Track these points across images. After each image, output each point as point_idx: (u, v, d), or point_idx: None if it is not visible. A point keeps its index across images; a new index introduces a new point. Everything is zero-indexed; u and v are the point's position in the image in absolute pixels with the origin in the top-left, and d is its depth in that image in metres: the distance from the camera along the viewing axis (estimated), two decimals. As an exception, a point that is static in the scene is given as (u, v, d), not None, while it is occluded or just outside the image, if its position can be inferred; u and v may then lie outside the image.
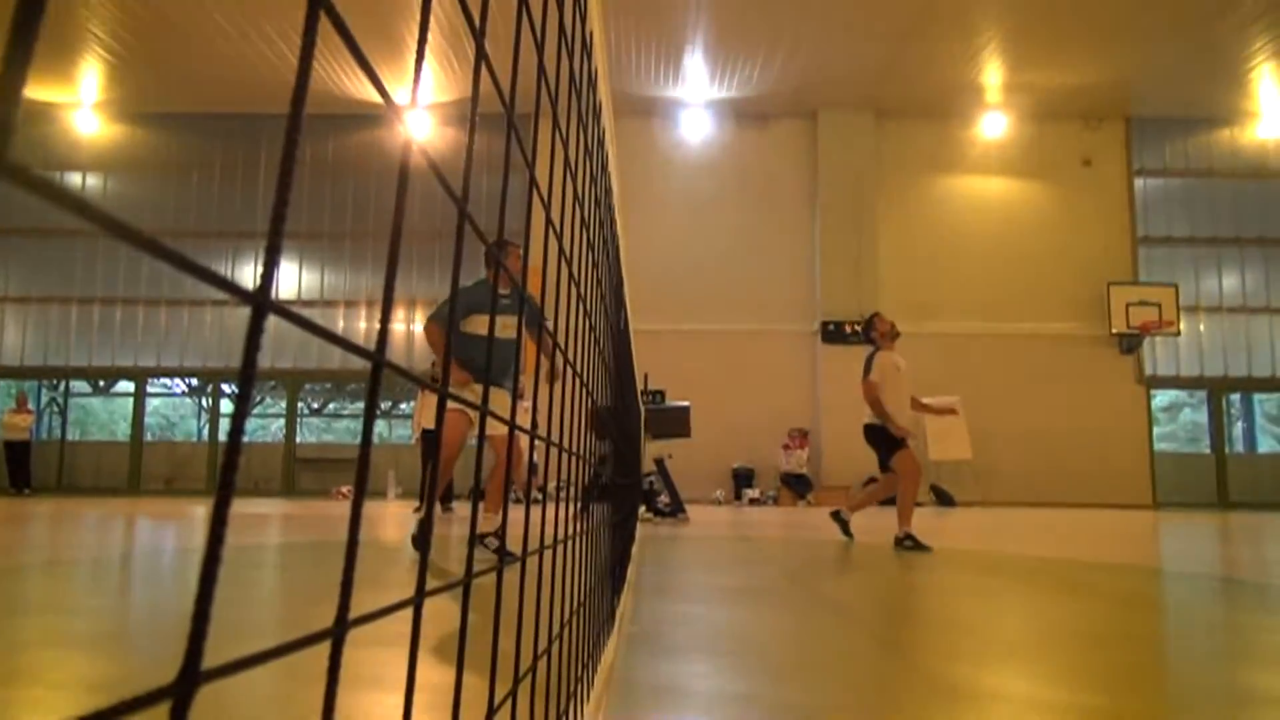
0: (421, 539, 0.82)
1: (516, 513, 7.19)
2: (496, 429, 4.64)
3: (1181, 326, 15.73)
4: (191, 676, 0.26)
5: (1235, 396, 17.48)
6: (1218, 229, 16.48)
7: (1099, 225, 16.31)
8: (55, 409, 17.22)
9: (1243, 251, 16.48)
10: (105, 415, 19.69)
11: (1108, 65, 14.59)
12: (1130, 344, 15.76)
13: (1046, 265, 16.06)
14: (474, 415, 4.91)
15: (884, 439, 6.02)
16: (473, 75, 0.56)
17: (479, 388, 4.68)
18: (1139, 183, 16.55)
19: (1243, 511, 14.09)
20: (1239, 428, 18.38)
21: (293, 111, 0.31)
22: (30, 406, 15.25)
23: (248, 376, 0.29)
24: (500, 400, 4.84)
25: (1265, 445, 18.31)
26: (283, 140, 0.31)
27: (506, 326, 4.72)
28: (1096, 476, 15.17)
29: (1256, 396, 17.79)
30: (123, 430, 17.48)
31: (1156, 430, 16.38)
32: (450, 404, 4.82)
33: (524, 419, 5.15)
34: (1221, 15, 12.96)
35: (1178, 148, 16.60)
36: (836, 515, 6.41)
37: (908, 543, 5.60)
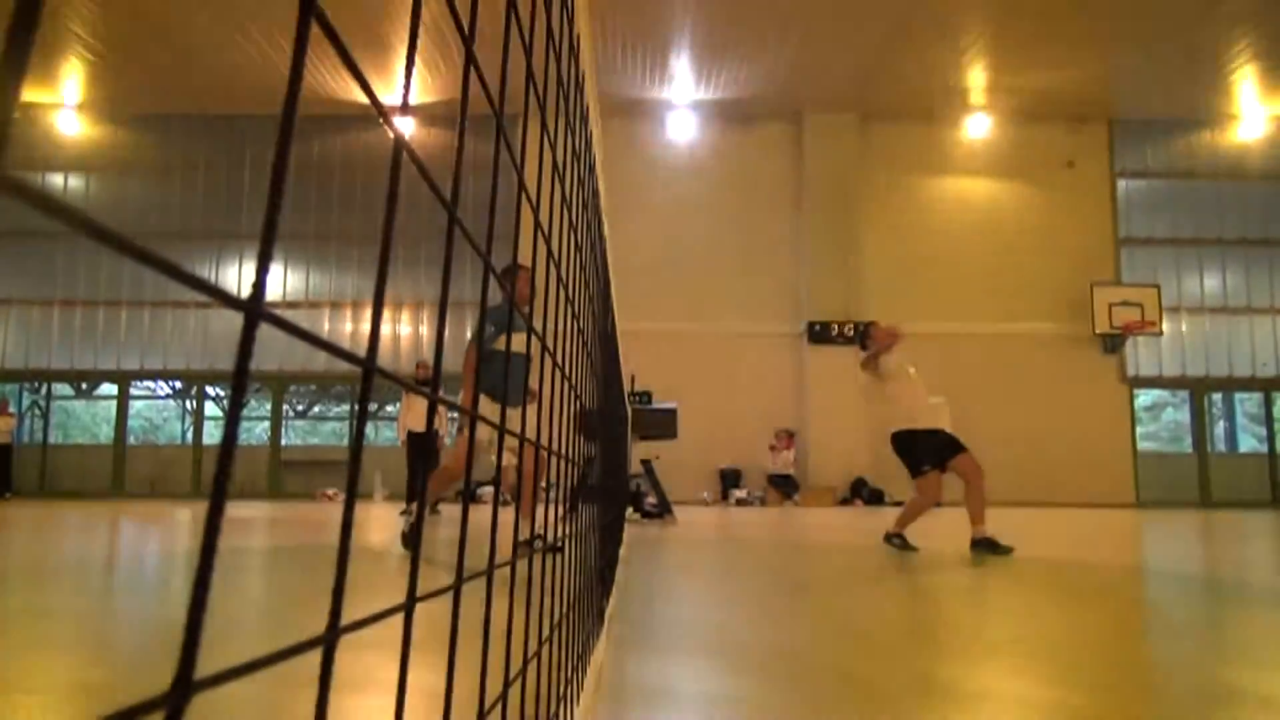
0: (412, 542, 0.82)
1: (507, 514, 7.17)
2: (512, 444, 4.76)
3: (1163, 327, 15.87)
4: (185, 686, 0.26)
5: (1217, 396, 17.64)
6: (1199, 230, 16.64)
7: (1082, 226, 16.44)
8: (37, 412, 17.04)
9: (1223, 252, 16.64)
10: (88, 418, 19.51)
11: (1091, 68, 14.72)
12: (1113, 344, 15.89)
13: (1030, 266, 16.17)
14: (493, 436, 5.02)
15: (915, 447, 5.58)
16: (461, 79, 0.56)
17: (495, 407, 4.81)
18: (1121, 184, 16.70)
19: (1224, 510, 14.22)
20: (1220, 427, 18.55)
21: (283, 122, 0.31)
22: (11, 410, 15.10)
23: (240, 385, 0.29)
24: (515, 418, 4.93)
25: (1246, 444, 18.48)
26: (266, 141, 0.31)
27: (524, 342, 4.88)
28: (1080, 476, 15.28)
29: (1238, 396, 17.96)
30: (105, 433, 17.32)
31: (1139, 430, 16.52)
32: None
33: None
34: (1203, 18, 13.10)
35: (1159, 149, 16.76)
36: (983, 543, 5.27)
37: (896, 540, 5.62)
